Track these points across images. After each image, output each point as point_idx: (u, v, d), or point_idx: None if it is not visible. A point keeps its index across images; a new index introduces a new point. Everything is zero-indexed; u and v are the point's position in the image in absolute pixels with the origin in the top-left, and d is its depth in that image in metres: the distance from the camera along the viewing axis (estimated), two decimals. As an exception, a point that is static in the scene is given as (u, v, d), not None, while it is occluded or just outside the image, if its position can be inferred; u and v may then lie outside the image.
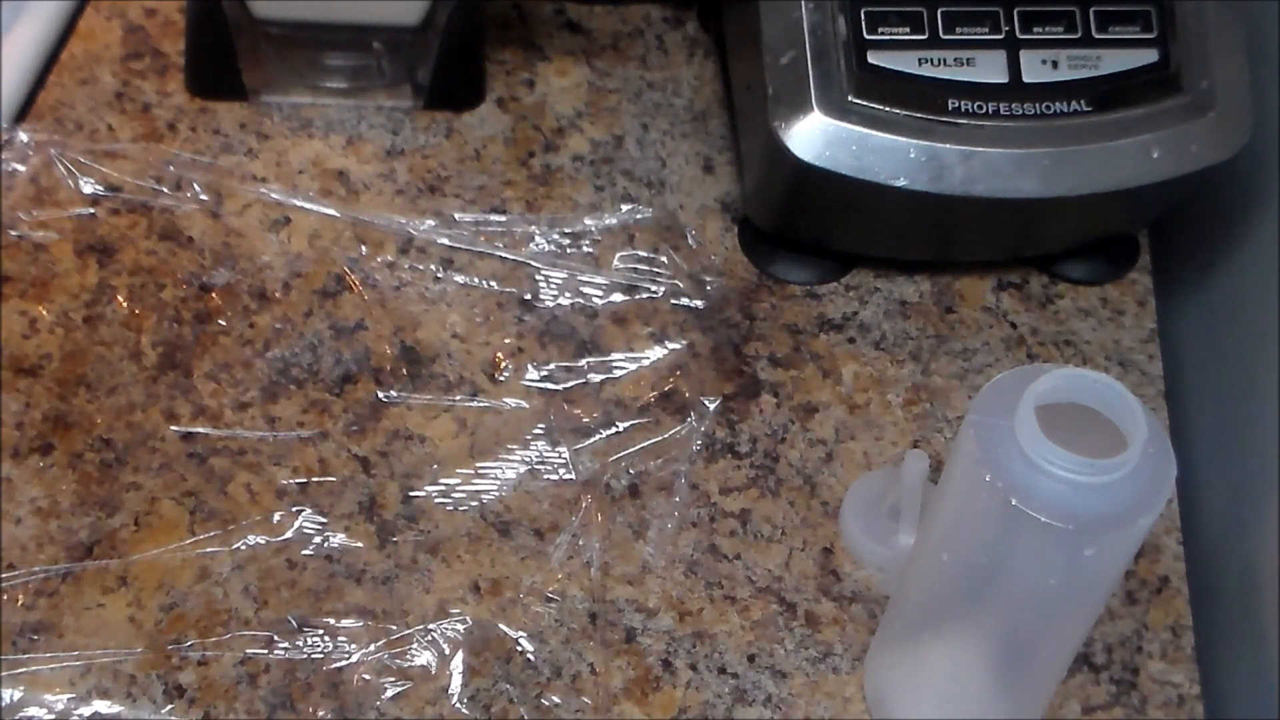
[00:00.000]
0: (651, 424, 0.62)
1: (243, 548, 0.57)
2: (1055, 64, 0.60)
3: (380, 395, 0.62)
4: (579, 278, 0.65)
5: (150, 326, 0.63)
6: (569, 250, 0.66)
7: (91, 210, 0.65)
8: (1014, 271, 0.68)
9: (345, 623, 0.56)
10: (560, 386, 0.62)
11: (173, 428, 0.60)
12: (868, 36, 0.59)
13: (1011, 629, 0.50)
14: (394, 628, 0.56)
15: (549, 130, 0.70)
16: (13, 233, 0.64)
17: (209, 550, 0.57)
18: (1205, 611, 0.60)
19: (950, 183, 0.59)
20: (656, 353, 0.64)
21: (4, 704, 0.53)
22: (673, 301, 0.65)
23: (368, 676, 0.55)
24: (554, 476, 0.60)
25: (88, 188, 0.66)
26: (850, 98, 0.59)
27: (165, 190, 0.66)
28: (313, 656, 0.55)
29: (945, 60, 0.60)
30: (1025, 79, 0.60)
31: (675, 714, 0.56)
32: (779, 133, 0.59)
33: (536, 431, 0.61)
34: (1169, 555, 0.61)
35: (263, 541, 0.57)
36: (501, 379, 0.63)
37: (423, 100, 0.69)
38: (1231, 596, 0.62)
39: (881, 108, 0.59)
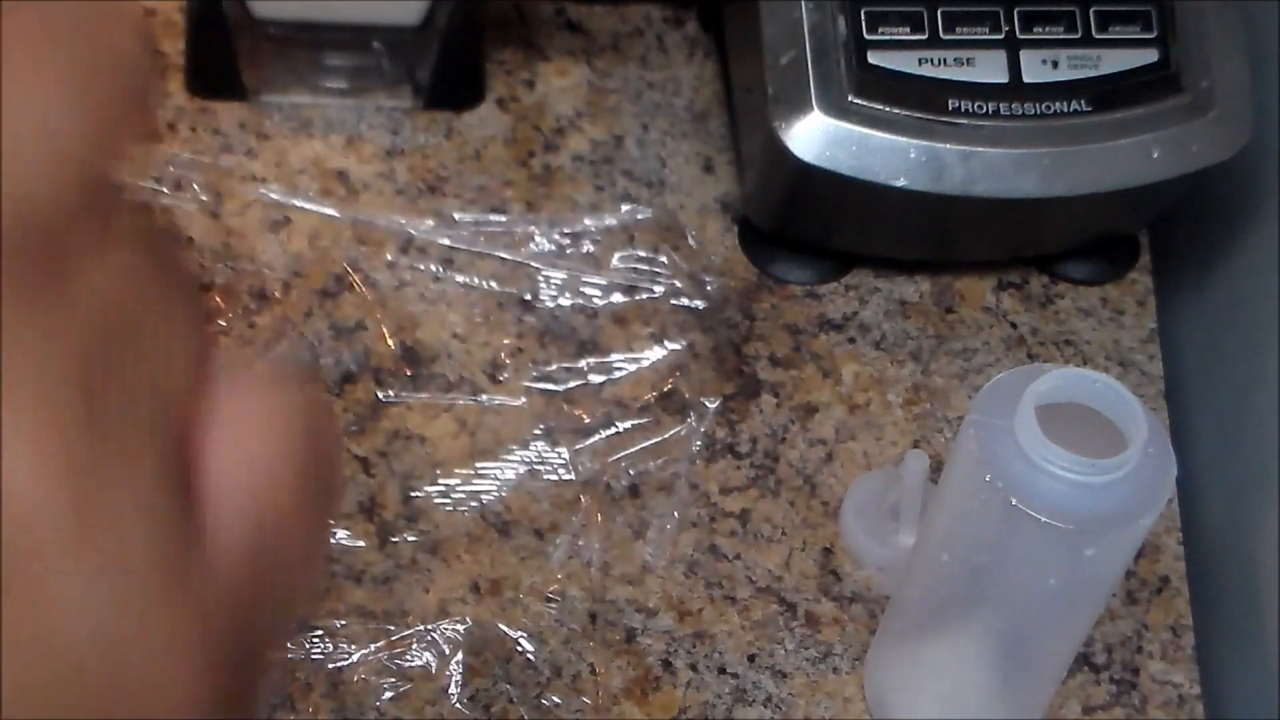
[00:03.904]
0: (651, 424, 0.62)
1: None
2: (1055, 64, 0.60)
3: (380, 395, 0.62)
4: (579, 278, 0.65)
5: (150, 326, 0.63)
6: (569, 250, 0.66)
7: (91, 210, 0.65)
8: (1014, 271, 0.68)
9: (345, 623, 0.56)
10: (560, 387, 0.62)
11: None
12: (868, 36, 0.59)
13: (1011, 629, 0.50)
14: (394, 628, 0.56)
15: (549, 130, 0.70)
16: (13, 233, 0.64)
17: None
18: (1205, 611, 0.60)
19: (950, 183, 0.59)
20: (656, 353, 0.64)
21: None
22: (673, 301, 0.65)
23: (368, 677, 0.55)
24: (554, 476, 0.60)
25: (88, 188, 0.66)
26: (850, 98, 0.59)
27: (165, 190, 0.66)
28: (312, 656, 0.55)
29: (945, 60, 0.60)
30: (1025, 79, 0.60)
31: (675, 714, 0.56)
32: (779, 133, 0.59)
33: (536, 431, 0.61)
34: (1169, 555, 0.61)
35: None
36: (502, 379, 0.62)
37: (423, 100, 0.69)
38: (1231, 596, 0.62)
39: (881, 108, 0.59)
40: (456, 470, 0.60)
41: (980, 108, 0.59)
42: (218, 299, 0.64)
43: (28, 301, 0.15)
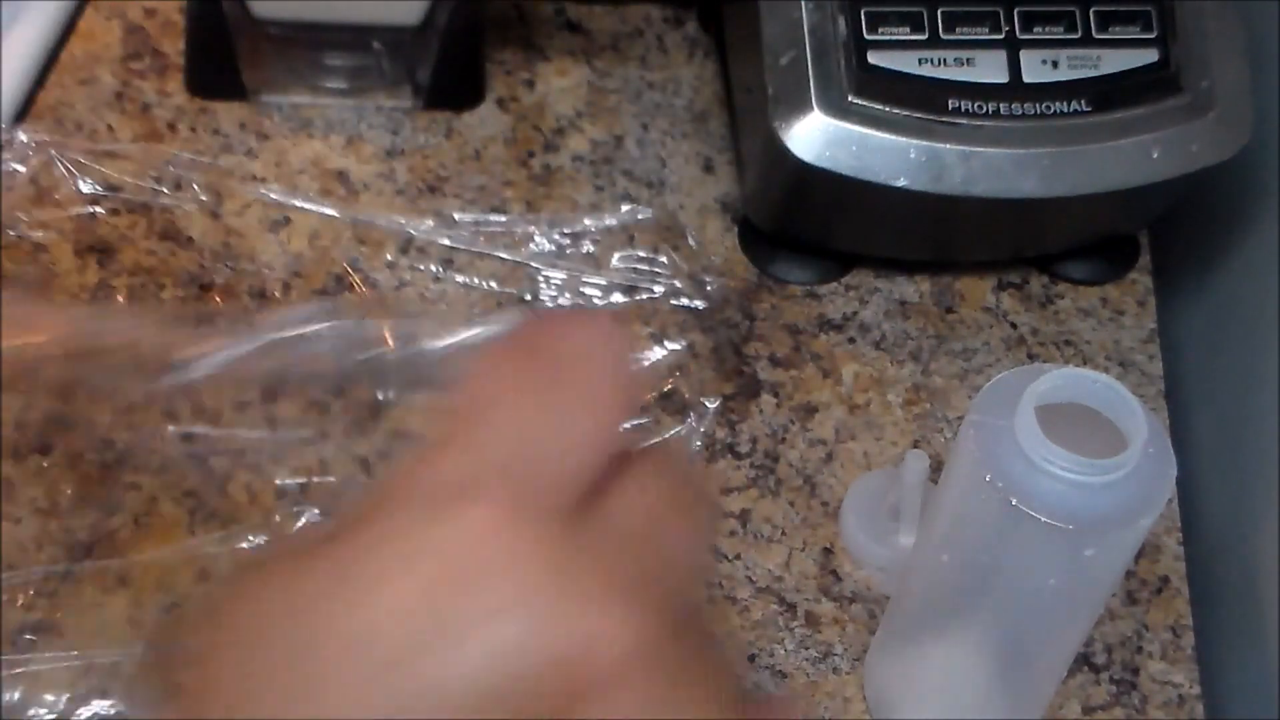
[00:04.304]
0: (651, 424, 0.62)
1: (243, 548, 0.57)
2: (1055, 64, 0.60)
3: (380, 395, 0.62)
4: (579, 278, 0.65)
5: (150, 326, 0.63)
6: (569, 250, 0.66)
7: (91, 210, 0.65)
8: (1014, 271, 0.68)
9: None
10: (560, 386, 0.62)
11: (172, 428, 0.60)
12: (868, 36, 0.59)
13: (1011, 629, 0.50)
14: (394, 628, 0.56)
15: (549, 130, 0.70)
16: (12, 233, 0.64)
17: (209, 550, 0.57)
18: (1205, 611, 0.60)
19: (950, 183, 0.59)
20: (656, 353, 0.64)
21: (4, 704, 0.53)
22: (673, 302, 0.65)
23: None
24: (554, 476, 0.60)
25: (87, 188, 0.66)
26: (850, 98, 0.59)
27: (165, 190, 0.66)
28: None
29: (945, 60, 0.60)
30: (1025, 79, 0.60)
31: (675, 714, 0.55)
32: (779, 133, 0.59)
33: (536, 431, 0.61)
34: (1169, 555, 0.61)
35: (263, 542, 0.57)
36: (501, 379, 0.62)
37: (423, 100, 0.69)
38: (1231, 596, 0.62)
39: (881, 108, 0.59)
40: (456, 470, 0.60)
41: (980, 108, 0.59)
42: (217, 299, 0.63)
43: (576, 519, 0.25)
